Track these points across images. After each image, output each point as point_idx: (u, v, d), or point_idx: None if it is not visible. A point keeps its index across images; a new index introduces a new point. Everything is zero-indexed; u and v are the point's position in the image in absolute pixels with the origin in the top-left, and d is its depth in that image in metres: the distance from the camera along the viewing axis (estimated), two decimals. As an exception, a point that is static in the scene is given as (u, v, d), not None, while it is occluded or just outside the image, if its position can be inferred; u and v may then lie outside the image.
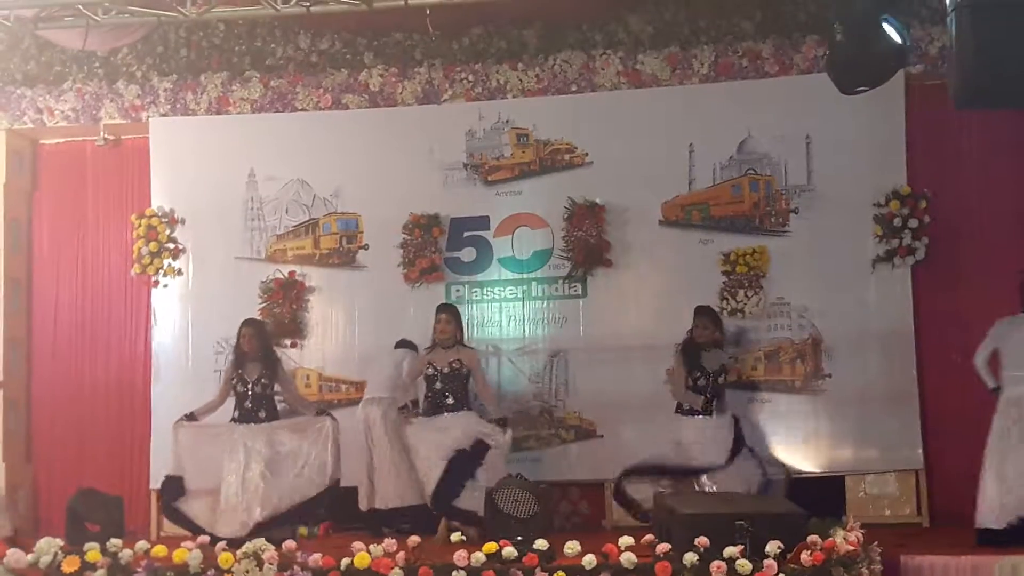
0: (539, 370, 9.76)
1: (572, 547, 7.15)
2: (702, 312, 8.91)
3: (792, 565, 6.73)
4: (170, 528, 9.50)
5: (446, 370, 8.75)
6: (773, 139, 9.62)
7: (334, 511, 9.00)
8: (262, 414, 8.79)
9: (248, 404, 8.79)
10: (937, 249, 9.31)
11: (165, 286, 10.23)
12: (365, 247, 10.06)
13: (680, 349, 8.89)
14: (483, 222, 9.94)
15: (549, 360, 9.74)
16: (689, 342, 8.85)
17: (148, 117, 10.30)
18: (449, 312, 8.99)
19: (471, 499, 8.36)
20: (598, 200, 9.71)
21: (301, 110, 10.17)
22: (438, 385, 8.75)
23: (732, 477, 8.44)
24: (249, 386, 8.81)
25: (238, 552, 7.16)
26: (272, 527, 8.26)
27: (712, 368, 8.72)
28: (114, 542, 7.43)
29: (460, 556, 7.04)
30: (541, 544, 7.13)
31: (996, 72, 6.28)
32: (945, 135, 9.36)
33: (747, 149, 9.67)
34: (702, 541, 6.85)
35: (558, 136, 9.90)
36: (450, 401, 8.70)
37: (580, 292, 9.73)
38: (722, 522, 7.00)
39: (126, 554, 7.34)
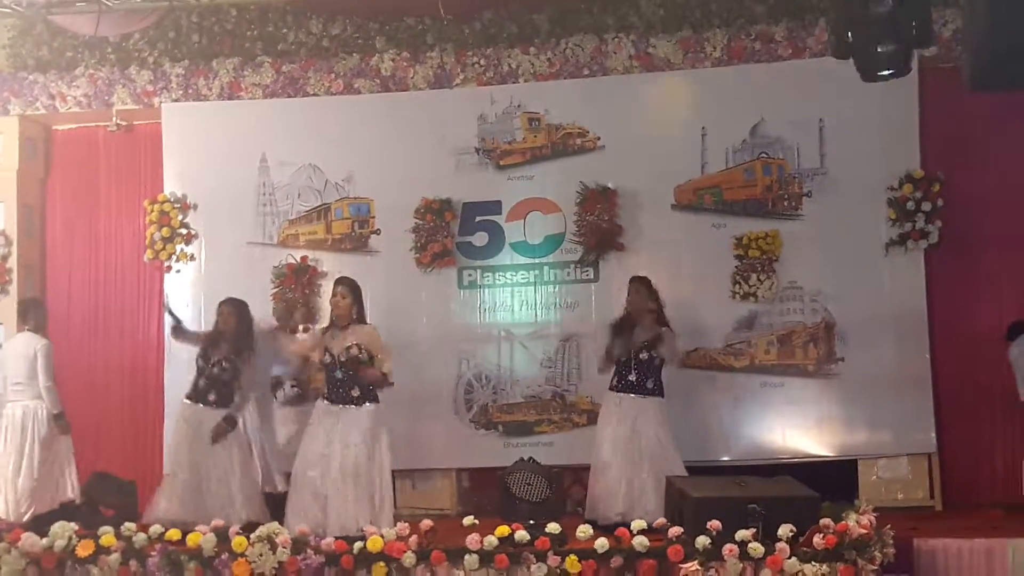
0: (551, 354, 9.76)
1: (584, 531, 7.17)
2: (634, 281, 8.73)
3: (804, 548, 6.75)
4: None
5: (343, 357, 8.12)
6: (786, 123, 9.59)
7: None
8: (212, 396, 8.57)
9: (202, 383, 8.60)
10: (950, 232, 9.28)
11: (178, 271, 10.25)
12: (377, 232, 10.06)
13: (613, 322, 8.76)
14: (495, 207, 9.93)
15: (561, 344, 9.74)
16: (624, 316, 8.69)
17: (160, 103, 10.31)
18: (346, 285, 8.31)
19: None
20: (610, 184, 9.70)
21: (313, 95, 10.16)
22: (339, 374, 8.11)
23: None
24: (210, 364, 8.61)
25: (252, 536, 7.20)
26: None
27: (637, 342, 8.51)
28: (128, 526, 7.48)
29: (473, 539, 7.06)
30: (553, 527, 7.15)
31: (1011, 54, 6.24)
32: (958, 118, 9.33)
33: (760, 133, 9.64)
34: (714, 524, 6.86)
35: (570, 120, 9.88)
36: (355, 393, 8.09)
37: (592, 276, 9.72)
38: (735, 505, 7.02)
39: (140, 538, 7.38)
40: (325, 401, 8.16)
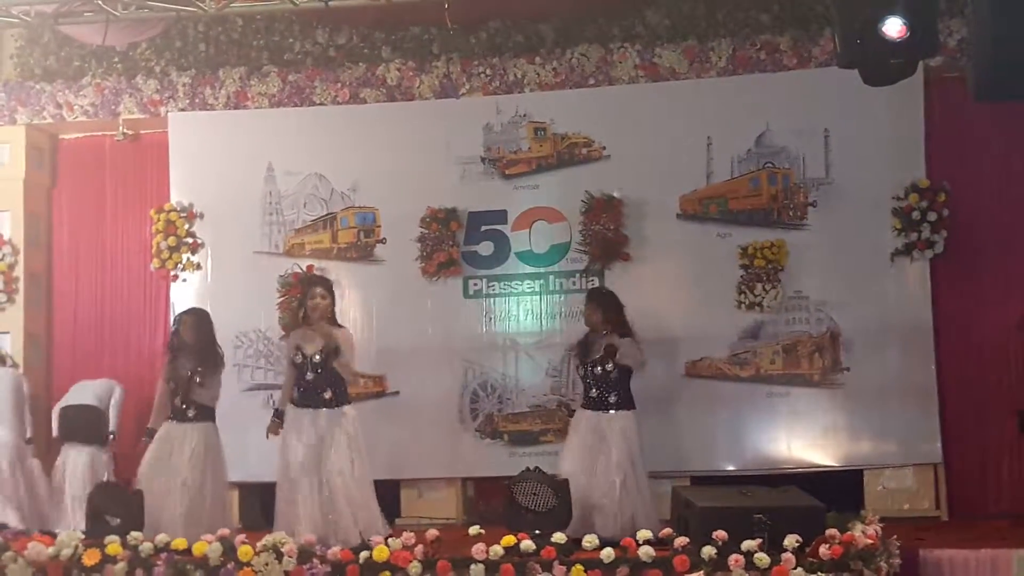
0: (556, 364, 9.75)
1: (591, 540, 7.16)
2: (589, 295, 8.70)
3: (811, 559, 6.73)
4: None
5: (318, 358, 7.97)
6: (791, 132, 9.59)
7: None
8: (191, 413, 8.32)
9: (179, 402, 8.33)
10: (956, 242, 9.29)
11: (184, 280, 10.28)
12: (383, 241, 10.07)
13: (578, 341, 8.65)
14: (500, 216, 9.95)
15: (567, 354, 9.69)
16: (588, 332, 8.55)
17: (167, 112, 10.34)
18: (324, 286, 8.20)
19: None
20: (615, 194, 9.71)
21: (319, 104, 10.18)
22: (310, 376, 7.98)
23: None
24: (184, 379, 8.32)
25: (258, 545, 7.19)
26: None
27: (594, 356, 8.37)
28: (134, 535, 7.47)
29: (478, 549, 7.05)
30: (559, 537, 7.14)
31: (1015, 63, 6.26)
32: (964, 128, 9.34)
33: (765, 142, 9.65)
34: (720, 535, 6.85)
35: (575, 130, 9.89)
36: (327, 395, 7.99)
37: (598, 286, 9.70)
38: (740, 516, 7.00)
39: (146, 547, 7.37)
40: (292, 405, 8.01)
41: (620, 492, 8.11)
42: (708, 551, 6.80)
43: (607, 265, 9.71)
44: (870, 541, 6.84)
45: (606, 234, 9.65)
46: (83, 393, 9.66)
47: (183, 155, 10.33)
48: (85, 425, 9.50)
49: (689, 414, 9.45)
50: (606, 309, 8.46)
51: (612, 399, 8.33)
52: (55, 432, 9.66)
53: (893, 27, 6.42)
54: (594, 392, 8.35)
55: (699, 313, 9.53)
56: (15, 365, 9.75)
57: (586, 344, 8.49)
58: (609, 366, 8.31)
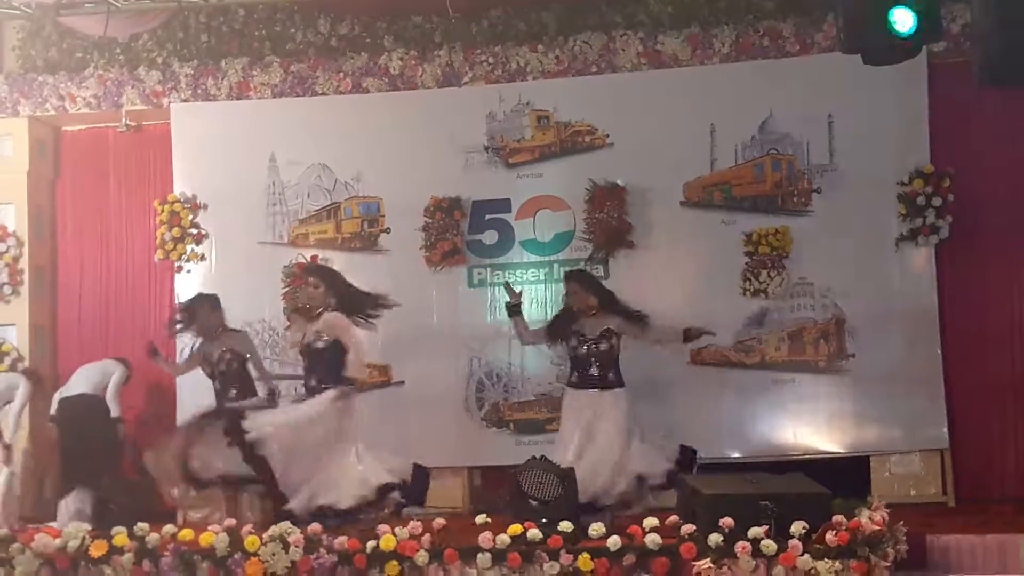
0: (562, 352, 9.73)
1: (597, 528, 7.17)
2: (569, 277, 8.71)
3: (817, 545, 6.74)
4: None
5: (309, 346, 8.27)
6: (795, 119, 9.57)
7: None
8: (232, 393, 8.58)
9: (217, 385, 8.60)
10: (961, 227, 9.26)
11: (188, 272, 10.27)
12: (387, 231, 10.07)
13: (552, 319, 8.73)
14: (504, 205, 9.94)
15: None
16: (566, 310, 8.60)
17: (169, 103, 10.32)
18: (317, 275, 8.55)
19: None
20: (619, 182, 9.69)
21: (321, 94, 10.17)
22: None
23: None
24: (215, 363, 8.60)
25: (264, 535, 7.21)
26: None
27: (593, 335, 8.36)
28: (141, 526, 7.48)
29: (485, 538, 7.06)
30: (566, 526, 7.15)
31: (1020, 49, 6.24)
32: (968, 113, 9.33)
33: (769, 129, 9.63)
34: (727, 522, 6.85)
35: (579, 118, 9.87)
36: (312, 383, 8.29)
37: (602, 274, 9.64)
38: (747, 502, 7.00)
39: (153, 538, 7.39)
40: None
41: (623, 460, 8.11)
42: (715, 538, 6.81)
43: (611, 253, 9.70)
44: (877, 527, 6.84)
45: (610, 222, 9.63)
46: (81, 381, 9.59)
47: (186, 146, 10.33)
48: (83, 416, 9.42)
49: (694, 401, 9.44)
50: (596, 290, 8.48)
51: (611, 376, 8.36)
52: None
53: (900, 19, 6.43)
54: (595, 371, 8.33)
55: (704, 300, 9.50)
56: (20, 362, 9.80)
57: (570, 323, 8.45)
58: (614, 341, 8.33)
